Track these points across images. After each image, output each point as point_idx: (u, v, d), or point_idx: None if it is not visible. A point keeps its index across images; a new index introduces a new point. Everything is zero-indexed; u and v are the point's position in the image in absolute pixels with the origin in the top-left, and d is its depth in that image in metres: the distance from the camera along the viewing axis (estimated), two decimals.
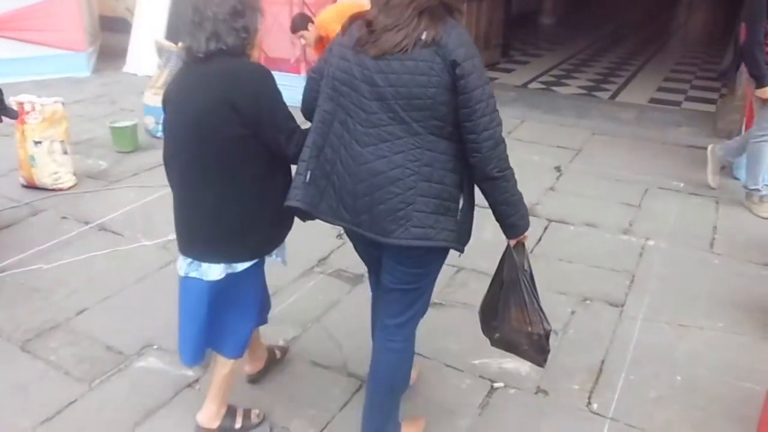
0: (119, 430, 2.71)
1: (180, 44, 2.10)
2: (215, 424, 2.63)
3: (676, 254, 4.15)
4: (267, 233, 2.48)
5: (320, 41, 5.53)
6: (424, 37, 2.01)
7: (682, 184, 5.21)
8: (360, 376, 3.03)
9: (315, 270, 3.90)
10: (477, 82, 2.03)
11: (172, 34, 7.76)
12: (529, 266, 2.41)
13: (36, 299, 3.60)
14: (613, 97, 8.27)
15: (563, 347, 3.24)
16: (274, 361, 3.05)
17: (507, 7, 9.97)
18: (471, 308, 3.51)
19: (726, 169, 5.30)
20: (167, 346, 3.21)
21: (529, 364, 3.06)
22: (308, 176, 2.23)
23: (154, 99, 6.10)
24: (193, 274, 2.41)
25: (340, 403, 2.86)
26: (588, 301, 3.61)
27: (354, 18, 2.18)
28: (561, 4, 14.69)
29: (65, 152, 5.00)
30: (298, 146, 2.29)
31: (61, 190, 4.95)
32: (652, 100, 8.07)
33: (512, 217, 2.26)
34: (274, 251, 2.57)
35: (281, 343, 3.15)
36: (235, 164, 2.28)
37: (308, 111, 2.33)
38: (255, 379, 2.98)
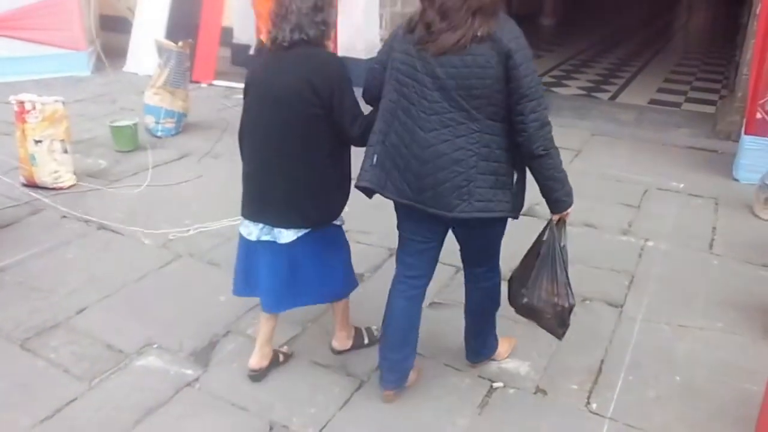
0: (119, 428, 2.71)
1: (261, 36, 2.54)
2: (348, 345, 3.14)
3: (676, 255, 4.16)
4: (333, 203, 2.78)
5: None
6: (479, 33, 2.26)
7: (681, 185, 5.22)
8: (359, 375, 3.03)
9: None
10: (527, 71, 2.29)
11: (173, 33, 7.77)
12: (566, 242, 2.65)
13: (36, 298, 3.60)
14: (613, 98, 8.28)
15: (562, 347, 3.24)
16: (276, 363, 3.09)
17: (507, 8, 9.98)
18: None
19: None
20: (167, 345, 3.22)
21: (528, 363, 3.09)
22: (375, 159, 2.52)
23: (155, 98, 6.12)
24: (265, 238, 2.75)
25: (339, 402, 2.87)
26: (587, 302, 3.62)
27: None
28: (561, 5, 14.71)
29: (65, 151, 5.00)
30: (360, 129, 2.61)
31: (61, 189, 4.96)
32: (652, 101, 8.07)
33: (557, 193, 2.50)
34: (339, 218, 2.88)
35: (285, 349, 3.19)
36: (311, 141, 2.61)
37: (370, 98, 2.67)
38: (256, 378, 3.00)
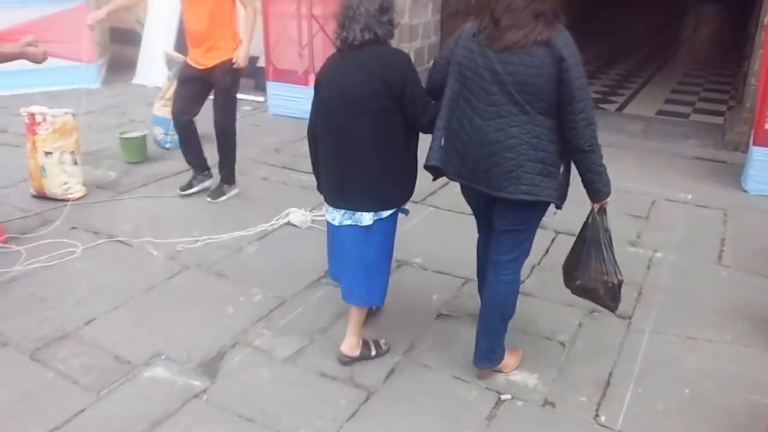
0: None
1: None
2: (357, 353, 3.18)
3: (684, 266, 4.14)
4: (406, 188, 3.04)
5: None
6: (539, 38, 2.55)
7: (689, 196, 5.21)
8: (367, 386, 3.03)
9: (322, 281, 3.90)
10: (577, 75, 2.57)
11: (182, 45, 7.82)
12: (608, 226, 2.93)
13: (45, 309, 3.62)
14: (620, 109, 8.28)
15: (570, 359, 3.24)
16: (368, 356, 3.21)
17: None
18: (477, 319, 3.51)
19: None
20: (175, 356, 3.22)
21: (536, 375, 3.09)
22: (442, 141, 2.83)
23: (163, 110, 6.15)
24: (347, 222, 2.96)
25: (347, 414, 2.86)
26: (595, 313, 3.61)
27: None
28: (567, 16, 14.70)
29: (75, 163, 5.04)
30: (429, 117, 2.87)
31: (70, 200, 4.98)
32: (660, 112, 8.07)
33: (598, 184, 2.78)
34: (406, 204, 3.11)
35: (382, 342, 3.30)
36: (386, 131, 2.85)
37: (434, 89, 2.92)
38: (346, 362, 3.16)
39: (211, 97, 5.08)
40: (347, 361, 3.16)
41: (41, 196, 4.97)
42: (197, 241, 4.38)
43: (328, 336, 3.40)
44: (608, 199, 2.87)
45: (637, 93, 9.18)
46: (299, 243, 4.37)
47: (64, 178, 4.96)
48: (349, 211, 2.95)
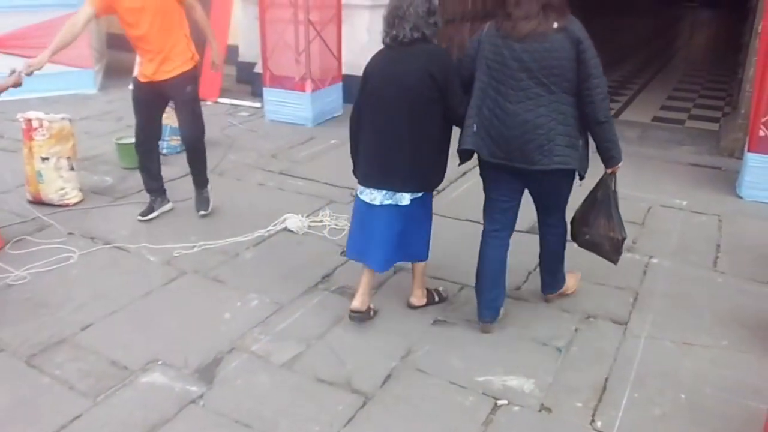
0: None
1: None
2: (424, 301, 3.66)
3: (680, 272, 4.15)
4: (441, 173, 3.39)
5: None
6: (556, 26, 2.97)
7: (685, 203, 5.23)
8: (364, 392, 3.03)
9: (319, 287, 3.91)
10: (592, 55, 3.02)
11: None
12: (616, 189, 3.37)
13: (42, 314, 3.62)
14: (616, 115, 8.30)
15: (567, 365, 3.24)
16: (433, 302, 3.69)
17: None
18: (474, 325, 3.52)
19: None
20: (172, 362, 3.22)
21: (532, 380, 3.10)
22: (474, 128, 3.18)
23: None
24: (387, 202, 3.30)
25: (343, 420, 2.86)
26: (592, 319, 3.62)
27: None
28: None
29: (72, 168, 5.04)
30: (464, 109, 3.22)
31: (67, 205, 4.99)
32: (656, 119, 8.11)
33: (612, 151, 3.21)
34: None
35: (441, 288, 3.77)
36: (429, 119, 3.20)
37: (462, 84, 3.24)
38: (357, 319, 3.49)
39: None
40: (355, 317, 3.48)
41: (38, 202, 4.97)
42: (194, 246, 4.38)
43: (325, 341, 3.40)
44: (620, 165, 3.29)
45: (633, 99, 9.21)
46: (296, 249, 4.38)
47: (61, 184, 4.96)
48: (390, 192, 3.27)
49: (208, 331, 3.48)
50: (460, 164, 3.37)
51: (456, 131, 3.33)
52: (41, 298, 3.78)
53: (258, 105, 7.91)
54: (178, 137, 6.24)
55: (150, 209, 4.87)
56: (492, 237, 3.42)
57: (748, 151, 5.31)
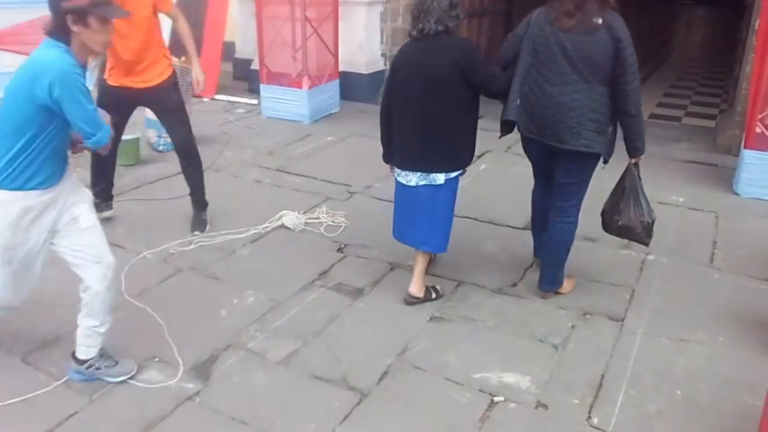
0: None
1: (412, 27, 3.44)
2: (422, 294, 3.72)
3: (676, 269, 4.16)
4: (470, 154, 3.61)
5: None
6: (599, 21, 3.21)
7: (681, 199, 5.23)
8: (360, 389, 3.03)
9: (316, 284, 3.91)
10: (630, 53, 3.25)
11: (175, 48, 7.81)
12: (641, 177, 3.58)
13: (37, 312, 3.60)
14: None
15: (563, 361, 3.25)
16: (429, 299, 3.75)
17: (507, 24, 10.05)
18: (471, 322, 3.53)
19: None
20: (168, 359, 3.22)
21: (529, 377, 3.10)
22: (518, 101, 3.44)
23: None
24: (422, 183, 3.52)
25: (340, 417, 2.86)
26: (588, 316, 3.62)
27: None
28: None
29: None
30: (499, 86, 3.49)
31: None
32: (653, 116, 8.10)
33: (638, 143, 3.43)
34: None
35: (438, 287, 3.84)
36: (457, 105, 3.43)
37: (506, 61, 3.52)
38: (412, 303, 3.69)
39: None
40: (414, 302, 3.69)
41: None
42: (190, 243, 4.37)
43: (321, 338, 3.40)
44: (642, 156, 3.51)
45: None
46: (292, 245, 4.37)
47: None
48: (424, 173, 3.49)
49: (204, 328, 3.47)
50: (501, 136, 3.65)
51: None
52: (36, 295, 3.75)
53: (255, 102, 7.90)
54: None
55: None
56: (541, 187, 3.82)
57: (745, 147, 5.32)
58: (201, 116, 7.20)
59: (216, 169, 5.74)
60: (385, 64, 8.22)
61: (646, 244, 3.71)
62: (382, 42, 8.15)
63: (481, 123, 3.60)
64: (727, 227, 4.76)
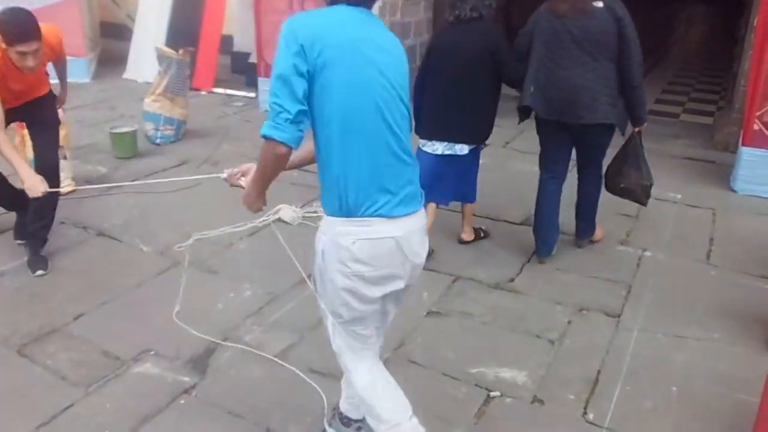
0: None
1: (451, 18, 3.92)
2: (471, 237, 4.36)
3: (673, 265, 4.16)
4: (491, 128, 4.04)
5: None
6: (600, 5, 3.57)
7: (679, 196, 5.23)
8: None
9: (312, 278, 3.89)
10: (631, 30, 3.60)
11: (173, 41, 7.80)
12: (642, 144, 3.98)
13: (34, 304, 3.60)
14: None
15: (559, 357, 3.25)
16: (480, 238, 4.40)
17: (507, 22, 10.03)
18: (468, 317, 3.53)
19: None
20: (164, 352, 3.21)
21: (525, 373, 3.11)
22: (532, 89, 3.79)
23: (154, 105, 6.13)
24: (448, 152, 3.96)
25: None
26: (584, 312, 3.62)
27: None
28: None
29: (65, 157, 5.00)
30: (518, 74, 3.85)
31: (60, 195, 4.95)
32: (650, 113, 7.99)
33: (641, 112, 3.80)
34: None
35: (484, 227, 4.49)
36: (485, 84, 3.86)
37: (520, 54, 3.86)
38: (465, 242, 4.32)
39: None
40: (467, 243, 4.33)
41: None
42: (187, 236, 4.36)
43: (318, 332, 3.39)
44: (645, 124, 3.89)
45: None
46: (290, 239, 4.36)
47: None
48: (450, 143, 3.93)
49: (200, 321, 3.46)
50: (519, 122, 4.06)
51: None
52: (33, 288, 3.76)
53: (252, 95, 7.88)
54: (172, 126, 6.24)
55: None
56: (548, 182, 4.03)
57: (743, 145, 5.32)
58: (198, 109, 7.19)
59: (213, 162, 5.72)
60: None
61: (645, 204, 4.14)
62: None
63: None
64: (724, 224, 4.77)
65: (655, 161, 5.99)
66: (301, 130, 2.02)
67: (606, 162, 4.11)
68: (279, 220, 4.60)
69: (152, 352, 3.22)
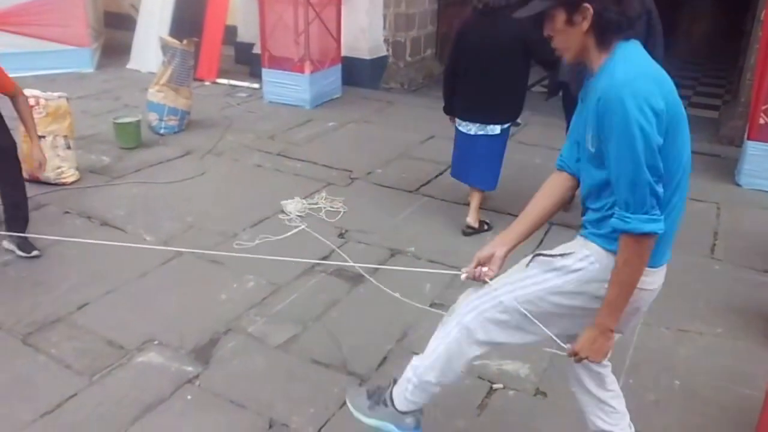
0: (119, 424, 2.72)
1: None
2: (477, 224, 4.42)
3: (677, 259, 4.10)
4: (521, 107, 4.30)
5: None
6: None
7: None
8: (360, 374, 3.04)
9: (316, 269, 3.90)
10: (655, 14, 3.51)
11: (177, 31, 7.79)
12: None
13: (38, 293, 3.61)
14: None
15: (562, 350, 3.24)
16: (483, 229, 4.44)
17: None
18: None
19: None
20: (168, 342, 3.22)
21: (528, 365, 3.11)
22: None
23: (158, 96, 6.13)
24: (480, 132, 4.24)
25: (339, 402, 2.86)
26: None
27: None
28: None
29: (69, 147, 5.02)
30: (551, 55, 3.85)
31: (64, 184, 4.97)
32: None
33: None
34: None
35: (488, 221, 4.52)
36: (515, 69, 4.13)
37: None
38: (468, 233, 4.38)
39: None
40: (470, 232, 4.39)
41: (34, 180, 4.93)
42: (191, 227, 4.37)
43: (321, 323, 3.41)
44: None
45: None
46: (293, 230, 4.37)
47: (57, 162, 4.93)
48: (483, 124, 4.21)
49: (204, 311, 3.48)
50: (547, 99, 4.41)
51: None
52: (37, 277, 3.77)
53: (256, 86, 7.86)
54: (176, 117, 6.24)
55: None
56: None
57: (748, 138, 5.30)
58: (202, 100, 7.18)
59: (217, 153, 5.72)
60: (387, 50, 8.18)
61: None
62: (384, 27, 8.11)
63: None
64: (729, 218, 4.76)
65: None
66: None
67: None
68: (283, 210, 4.62)
69: (156, 342, 3.23)
